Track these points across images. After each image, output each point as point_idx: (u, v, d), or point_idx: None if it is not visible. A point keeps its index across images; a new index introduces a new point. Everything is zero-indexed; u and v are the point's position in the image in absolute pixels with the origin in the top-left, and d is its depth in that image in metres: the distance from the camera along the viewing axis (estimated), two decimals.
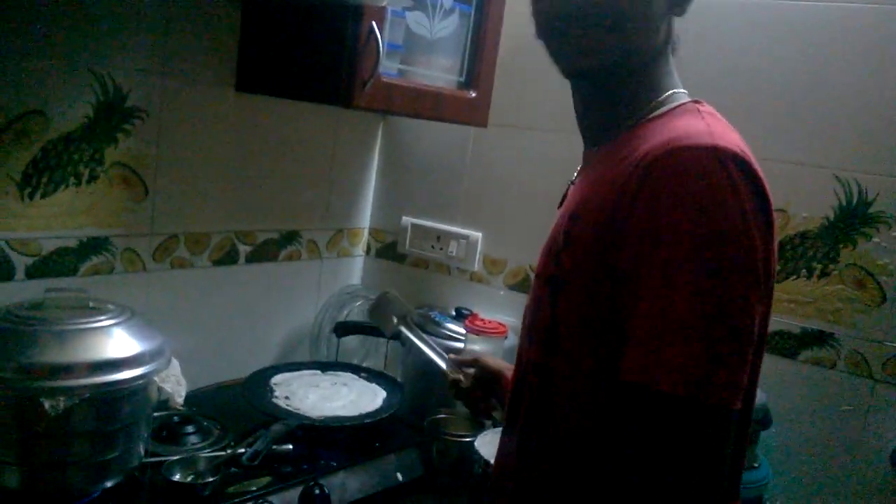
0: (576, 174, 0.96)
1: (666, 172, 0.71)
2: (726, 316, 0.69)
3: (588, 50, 0.82)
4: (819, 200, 1.42)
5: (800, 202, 1.44)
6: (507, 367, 1.19)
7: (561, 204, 0.95)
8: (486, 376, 1.23)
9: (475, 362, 1.25)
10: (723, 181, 0.70)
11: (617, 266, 0.74)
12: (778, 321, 1.47)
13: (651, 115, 0.84)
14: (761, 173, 0.75)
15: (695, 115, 0.81)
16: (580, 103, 0.92)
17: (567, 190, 0.97)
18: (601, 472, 0.77)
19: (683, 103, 0.85)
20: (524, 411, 0.90)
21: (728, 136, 0.76)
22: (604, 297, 0.76)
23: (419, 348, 1.33)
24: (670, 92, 0.87)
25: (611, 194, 0.76)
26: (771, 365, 1.48)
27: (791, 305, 1.46)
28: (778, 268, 1.46)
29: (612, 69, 0.84)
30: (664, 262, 0.70)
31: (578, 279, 0.80)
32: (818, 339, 1.44)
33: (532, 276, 1.20)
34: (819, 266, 1.43)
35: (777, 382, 1.45)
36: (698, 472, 0.71)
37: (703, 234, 0.69)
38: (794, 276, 1.45)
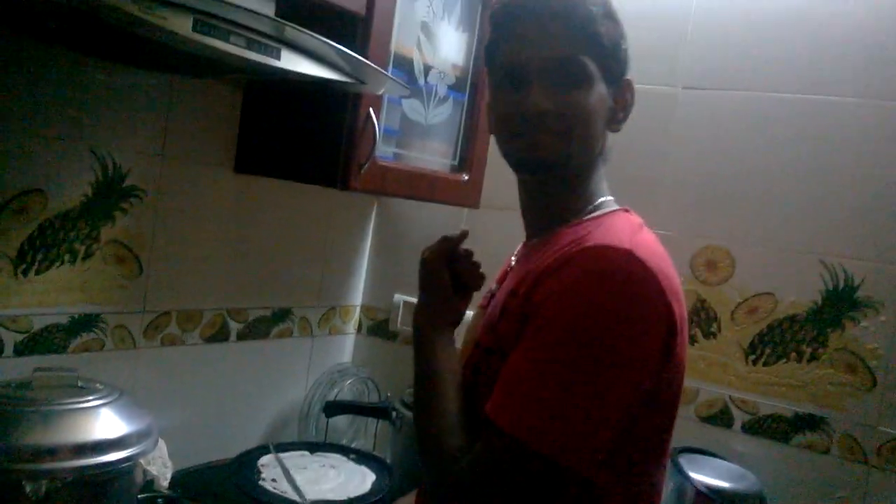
0: (514, 260, 1.06)
1: (580, 263, 0.82)
2: (583, 386, 0.78)
3: (537, 148, 0.92)
4: (807, 285, 1.44)
5: (788, 287, 1.46)
6: None
7: (500, 280, 1.06)
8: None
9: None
10: (623, 280, 0.80)
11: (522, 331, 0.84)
12: (770, 405, 1.46)
13: (584, 218, 0.94)
14: (669, 281, 0.83)
15: (622, 222, 0.92)
16: (525, 197, 1.02)
17: (506, 270, 1.06)
18: None
19: (615, 210, 0.96)
20: None
21: (644, 246, 0.85)
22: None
23: None
24: (602, 199, 0.98)
25: (537, 273, 0.86)
26: (764, 449, 1.47)
27: (782, 389, 1.46)
28: (768, 351, 1.47)
29: (554, 169, 0.94)
30: (553, 327, 0.80)
31: (507, 347, 0.86)
32: (810, 423, 1.43)
33: None
34: (808, 350, 1.44)
35: (772, 467, 1.44)
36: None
37: (592, 318, 0.79)
38: (784, 360, 1.46)
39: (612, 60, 0.94)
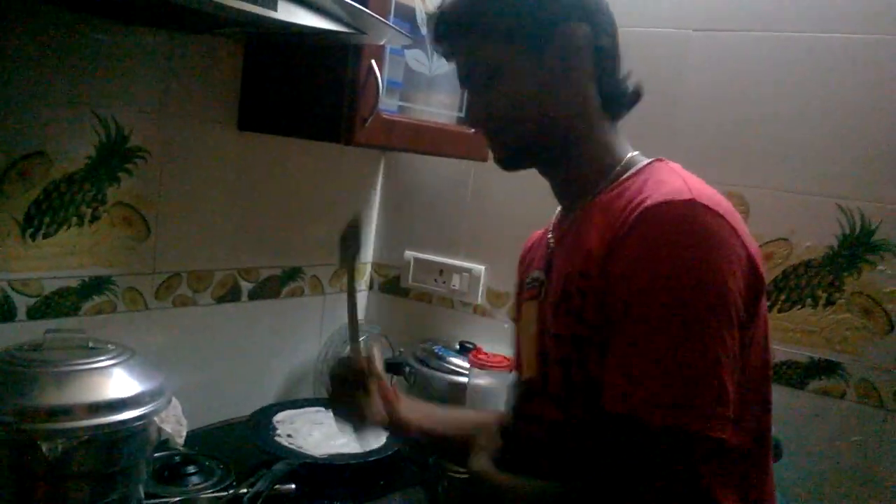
0: (551, 239, 0.99)
1: (650, 224, 0.78)
2: (695, 351, 0.75)
3: (496, 151, 0.96)
4: (822, 230, 1.41)
5: (803, 232, 1.43)
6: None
7: (547, 268, 0.97)
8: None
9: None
10: (699, 231, 0.77)
11: (612, 308, 0.81)
12: (784, 351, 1.45)
13: (622, 178, 0.90)
14: (737, 221, 0.81)
15: (668, 174, 0.87)
16: (546, 179, 0.99)
17: (547, 252, 0.99)
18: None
19: (650, 163, 0.91)
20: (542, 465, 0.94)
21: (702, 189, 0.82)
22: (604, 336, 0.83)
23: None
24: (629, 156, 0.93)
25: (604, 247, 0.82)
26: (779, 396, 1.44)
27: (797, 335, 1.44)
28: (783, 297, 1.45)
29: (526, 161, 0.95)
30: (644, 302, 0.77)
31: (597, 330, 0.83)
32: (826, 368, 1.42)
33: None
34: (824, 295, 1.42)
35: (786, 414, 1.43)
36: (667, 492, 0.79)
37: (678, 278, 0.76)
38: (800, 306, 1.44)
39: (523, 29, 0.87)
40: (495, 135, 0.94)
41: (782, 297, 1.46)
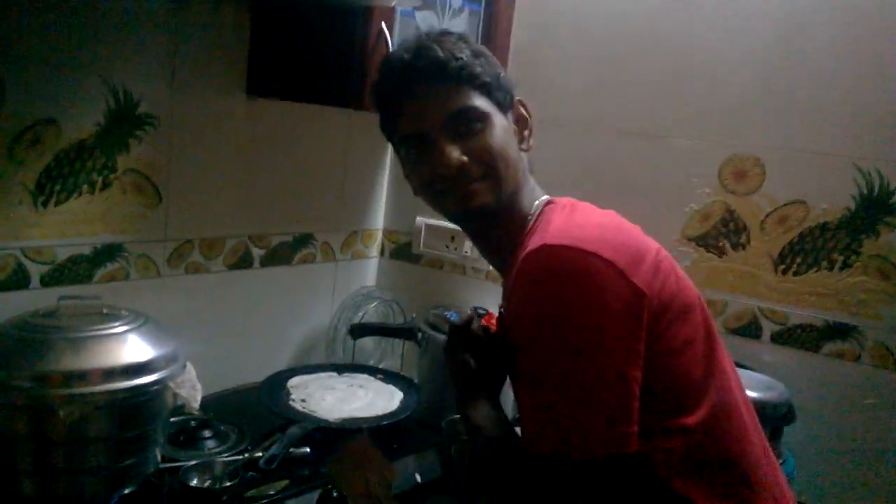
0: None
1: (523, 273, 0.87)
2: (576, 378, 0.82)
3: (473, 197, 0.96)
4: (839, 191, 1.39)
5: (819, 193, 1.41)
6: None
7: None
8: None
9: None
10: (562, 267, 0.83)
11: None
12: (800, 314, 1.44)
13: (526, 231, 0.98)
14: (593, 242, 0.85)
15: (544, 220, 0.97)
16: (475, 242, 1.08)
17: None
18: None
19: (540, 212, 1.00)
20: None
21: (560, 227, 0.91)
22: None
23: None
24: (535, 204, 1.01)
25: (510, 311, 0.94)
26: (793, 359, 1.46)
27: (812, 298, 1.43)
28: (798, 260, 1.44)
29: (490, 209, 0.97)
30: (528, 346, 0.87)
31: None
32: (841, 331, 1.41)
33: None
34: (840, 257, 1.41)
35: (800, 376, 1.43)
36: None
37: (549, 314, 0.84)
38: (815, 269, 1.43)
39: (498, 91, 0.98)
40: (478, 181, 0.96)
41: (798, 259, 1.44)
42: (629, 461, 0.83)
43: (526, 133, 1.03)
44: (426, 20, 1.46)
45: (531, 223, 0.99)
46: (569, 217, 0.95)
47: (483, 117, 0.96)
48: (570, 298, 0.82)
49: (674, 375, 0.88)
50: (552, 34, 1.67)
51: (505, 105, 0.99)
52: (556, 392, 0.83)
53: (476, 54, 0.97)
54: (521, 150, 1.01)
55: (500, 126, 0.97)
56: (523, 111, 1.03)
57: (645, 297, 0.84)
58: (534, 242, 0.88)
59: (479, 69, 0.96)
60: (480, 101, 0.96)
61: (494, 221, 1.00)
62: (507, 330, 0.94)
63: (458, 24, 1.52)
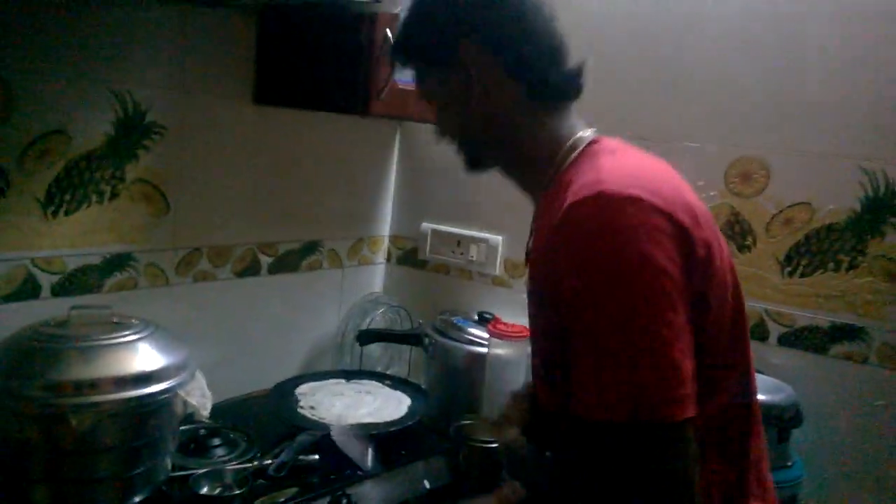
0: (531, 224, 1.03)
1: (566, 230, 0.80)
2: (640, 340, 0.75)
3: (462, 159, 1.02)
4: (845, 192, 1.39)
5: (825, 195, 1.41)
6: None
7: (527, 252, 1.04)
8: None
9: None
10: (610, 223, 0.76)
11: (560, 322, 0.82)
12: (806, 316, 1.44)
13: (562, 168, 0.92)
14: (656, 195, 0.78)
15: (591, 161, 0.88)
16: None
17: (529, 238, 1.04)
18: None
19: (583, 149, 0.93)
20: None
21: (615, 173, 0.82)
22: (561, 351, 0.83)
23: None
24: (575, 137, 0.94)
25: (544, 258, 0.86)
26: (800, 361, 1.46)
27: (819, 300, 1.43)
28: (805, 261, 1.44)
29: (479, 163, 1.01)
30: (578, 308, 0.78)
31: (549, 334, 0.89)
32: (848, 333, 1.41)
33: None
34: (847, 259, 1.40)
35: (807, 378, 1.43)
36: (661, 489, 0.76)
37: (604, 276, 0.76)
38: (821, 270, 1.43)
39: (429, 57, 0.98)
40: (450, 145, 1.02)
41: (804, 261, 1.44)
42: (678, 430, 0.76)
43: (483, 73, 0.94)
44: None
45: (567, 162, 0.92)
46: (614, 157, 0.88)
47: (423, 95, 1.01)
48: (617, 250, 0.76)
49: (716, 331, 0.84)
50: None
51: (441, 65, 0.97)
52: (611, 353, 0.75)
53: (409, 19, 0.99)
54: (475, 102, 0.95)
55: (440, 95, 0.99)
56: (473, 53, 0.93)
57: (695, 238, 0.79)
58: (578, 189, 0.81)
59: (411, 33, 0.99)
60: (421, 76, 1.00)
61: (501, 166, 1.01)
62: (542, 276, 0.88)
63: None
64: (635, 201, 0.77)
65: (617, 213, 0.76)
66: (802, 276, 1.45)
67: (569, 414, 0.80)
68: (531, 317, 0.97)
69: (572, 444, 0.84)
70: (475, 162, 1.02)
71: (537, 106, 0.95)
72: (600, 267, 0.76)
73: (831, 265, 1.42)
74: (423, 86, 1.01)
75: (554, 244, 0.81)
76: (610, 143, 0.93)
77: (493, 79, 0.94)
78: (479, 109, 0.95)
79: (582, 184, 0.81)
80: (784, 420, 1.33)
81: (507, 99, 0.95)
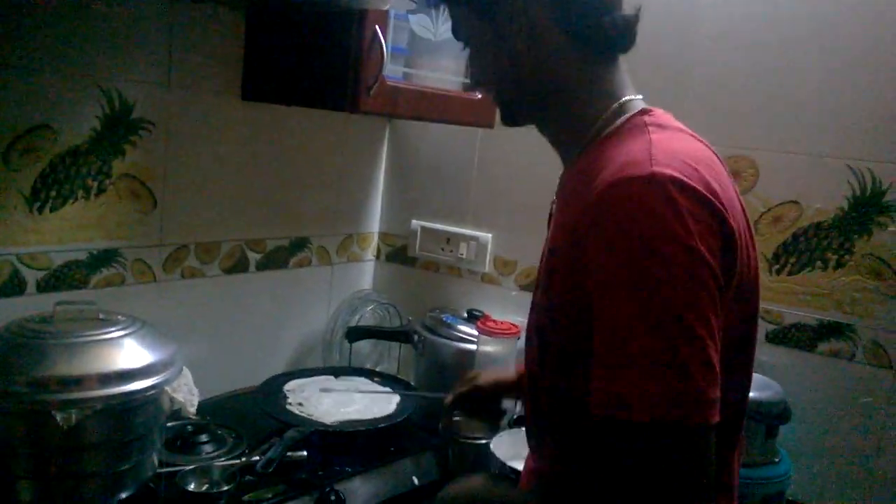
0: (554, 202, 0.95)
1: (608, 208, 0.72)
2: (676, 337, 0.68)
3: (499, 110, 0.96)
4: (832, 191, 1.40)
5: (812, 193, 1.42)
6: (502, 378, 1.17)
7: (550, 221, 0.95)
8: (484, 395, 1.18)
9: (472, 388, 1.17)
10: (659, 208, 0.69)
11: (584, 303, 0.74)
12: (794, 314, 1.45)
13: (604, 132, 0.85)
14: (707, 188, 0.72)
15: (639, 135, 0.80)
16: (544, 136, 0.95)
17: (551, 209, 0.97)
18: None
19: (631, 117, 0.84)
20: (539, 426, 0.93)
21: (670, 154, 0.74)
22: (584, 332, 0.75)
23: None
24: (621, 101, 0.86)
25: (572, 233, 0.77)
26: (788, 358, 1.46)
27: (807, 298, 1.44)
28: (792, 260, 1.45)
29: (516, 115, 0.94)
30: (611, 294, 0.71)
31: (565, 315, 0.80)
32: (835, 330, 1.42)
33: None
34: (834, 257, 1.41)
35: (795, 376, 1.43)
36: (682, 495, 0.69)
37: (645, 264, 0.69)
38: (809, 268, 1.44)
39: (474, 1, 0.89)
40: (489, 94, 0.96)
41: (792, 259, 1.45)
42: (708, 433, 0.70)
43: (533, 18, 0.86)
44: (420, 23, 1.47)
45: (612, 126, 0.85)
46: (663, 133, 0.80)
47: (465, 40, 0.93)
48: (659, 238, 0.69)
49: (732, 329, 0.77)
50: None
51: (488, 9, 0.88)
52: (646, 345, 0.68)
53: None
54: (516, 47, 0.87)
55: (481, 41, 0.91)
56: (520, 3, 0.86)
57: (732, 228, 0.74)
58: (625, 165, 0.74)
59: None
60: (463, 21, 0.92)
61: (539, 120, 0.93)
62: (569, 252, 0.79)
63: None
64: (689, 190, 0.70)
65: (669, 199, 0.69)
66: (790, 274, 1.46)
67: (572, 409, 0.76)
68: (544, 290, 0.86)
69: (580, 444, 0.80)
70: (510, 114, 0.95)
71: (585, 55, 0.87)
72: (644, 254, 0.69)
73: (819, 263, 1.43)
74: (460, 27, 0.93)
75: (593, 219, 0.73)
76: (663, 117, 0.85)
77: (537, 19, 0.86)
78: (520, 53, 0.87)
79: (630, 160, 0.74)
80: (772, 417, 1.33)
81: (552, 43, 0.86)
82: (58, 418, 0.98)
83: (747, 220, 0.82)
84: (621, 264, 0.70)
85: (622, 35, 0.87)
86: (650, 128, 0.81)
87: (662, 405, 0.67)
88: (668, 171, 0.71)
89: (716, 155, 0.83)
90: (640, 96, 0.88)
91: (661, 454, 0.69)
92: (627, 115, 0.85)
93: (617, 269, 0.70)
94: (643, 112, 0.85)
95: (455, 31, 0.94)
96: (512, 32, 0.86)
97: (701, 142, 0.83)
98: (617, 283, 0.70)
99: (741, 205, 0.81)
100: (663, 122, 0.83)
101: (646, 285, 0.69)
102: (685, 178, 0.71)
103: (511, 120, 0.95)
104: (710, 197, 0.72)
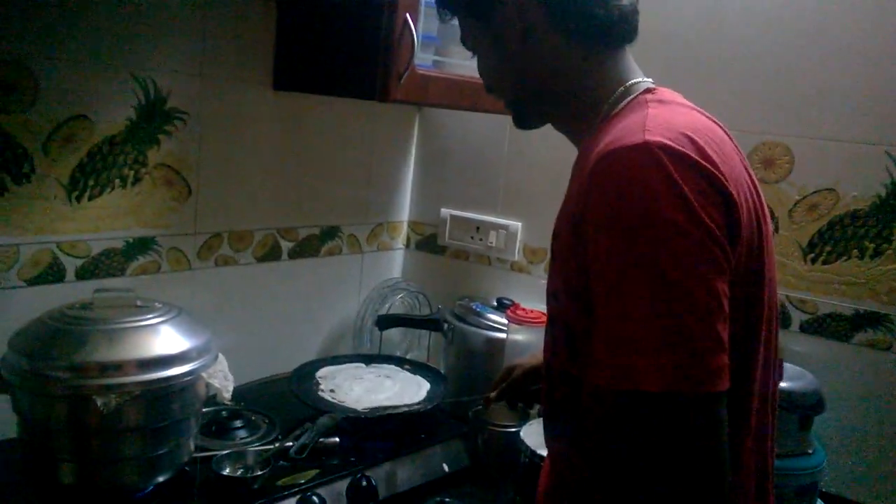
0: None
1: (601, 179, 0.72)
2: (679, 304, 0.67)
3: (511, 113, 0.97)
4: (870, 178, 1.37)
5: (850, 181, 1.40)
6: (538, 363, 1.16)
7: None
8: (520, 383, 1.26)
9: (507, 377, 1.27)
10: (651, 175, 0.69)
11: (587, 281, 0.74)
12: (829, 303, 1.43)
13: (611, 113, 0.85)
14: (701, 154, 0.71)
15: (639, 110, 0.80)
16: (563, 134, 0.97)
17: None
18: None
19: (635, 96, 0.85)
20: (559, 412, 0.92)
21: (663, 125, 0.73)
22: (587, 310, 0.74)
23: None
24: (628, 84, 0.87)
25: (572, 214, 0.77)
26: (823, 348, 1.44)
27: (842, 287, 1.42)
28: (828, 248, 1.42)
29: (528, 117, 0.96)
30: (610, 266, 0.70)
31: (567, 294, 0.81)
32: (872, 320, 1.39)
33: None
34: (871, 246, 1.39)
35: (830, 366, 1.41)
36: (696, 464, 0.69)
37: (641, 232, 0.68)
38: (845, 257, 1.41)
39: (471, 6, 0.91)
40: (500, 100, 0.97)
41: (827, 248, 1.43)
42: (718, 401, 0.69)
43: (528, 20, 0.86)
44: None
45: (616, 109, 0.85)
46: (660, 107, 0.80)
47: (468, 46, 0.95)
48: (658, 206, 0.68)
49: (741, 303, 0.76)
50: None
51: (484, 13, 0.89)
52: (649, 315, 0.67)
53: None
54: (514, 50, 0.88)
55: (483, 46, 0.93)
56: (513, 8, 0.87)
57: (735, 202, 0.72)
58: (621, 134, 0.74)
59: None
60: (465, 27, 0.94)
61: (552, 119, 0.94)
62: (569, 225, 0.78)
63: None
64: (679, 156, 0.70)
65: (660, 165, 0.68)
66: (826, 262, 1.43)
67: (588, 385, 0.75)
68: (551, 276, 0.88)
69: (589, 419, 0.78)
70: (521, 117, 0.97)
71: (585, 50, 0.87)
72: (639, 221, 0.68)
73: (855, 252, 1.40)
74: (466, 37, 0.95)
75: (587, 190, 0.73)
76: (667, 94, 0.85)
77: (532, 21, 0.86)
78: (518, 56, 0.88)
79: (625, 128, 0.74)
80: (806, 407, 1.32)
81: (550, 42, 0.87)
82: (98, 403, 1.00)
83: (758, 194, 0.81)
84: (616, 234, 0.69)
85: (620, 26, 0.87)
86: (650, 104, 0.81)
87: (668, 374, 0.66)
88: (658, 139, 0.70)
89: (723, 129, 0.82)
90: (650, 80, 0.88)
91: (670, 423, 0.68)
92: (632, 96, 0.85)
93: (613, 239, 0.70)
94: (647, 91, 0.85)
95: (463, 40, 0.96)
96: (509, 36, 0.88)
97: (706, 116, 0.82)
98: (614, 253, 0.70)
99: (751, 178, 0.81)
100: (665, 98, 0.83)
101: (642, 253, 0.68)
102: (676, 145, 0.70)
103: (523, 124, 0.98)
104: (705, 163, 0.71)
